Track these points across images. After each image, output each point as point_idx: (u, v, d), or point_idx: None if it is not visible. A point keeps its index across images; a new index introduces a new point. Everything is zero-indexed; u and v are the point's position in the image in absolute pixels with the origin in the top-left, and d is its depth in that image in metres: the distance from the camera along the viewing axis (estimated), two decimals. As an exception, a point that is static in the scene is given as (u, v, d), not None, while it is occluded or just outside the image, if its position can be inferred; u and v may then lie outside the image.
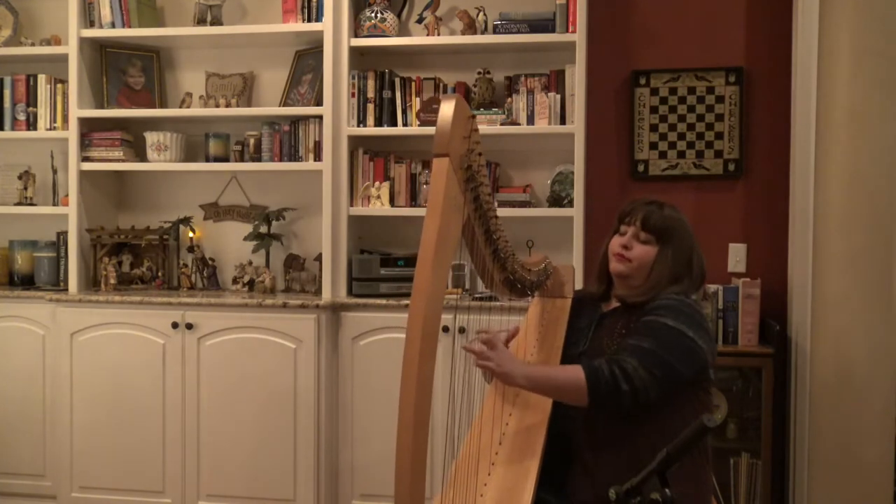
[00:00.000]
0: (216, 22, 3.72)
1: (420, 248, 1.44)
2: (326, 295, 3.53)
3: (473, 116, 1.60)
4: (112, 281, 3.69)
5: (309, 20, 3.60)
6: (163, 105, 3.91)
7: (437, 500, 1.78)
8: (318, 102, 3.60)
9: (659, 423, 1.85)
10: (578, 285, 2.36)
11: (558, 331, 2.17)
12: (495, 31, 3.52)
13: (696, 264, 2.04)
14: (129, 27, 3.71)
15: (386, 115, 3.60)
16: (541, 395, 1.94)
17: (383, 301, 3.42)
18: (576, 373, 1.83)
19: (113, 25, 3.71)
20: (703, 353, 1.90)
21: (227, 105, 3.72)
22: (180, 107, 3.83)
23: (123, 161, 3.77)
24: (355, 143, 3.63)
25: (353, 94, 3.58)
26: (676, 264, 2.00)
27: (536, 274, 2.12)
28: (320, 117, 3.57)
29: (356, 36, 3.59)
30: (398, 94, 3.59)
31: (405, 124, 3.59)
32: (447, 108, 1.50)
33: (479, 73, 3.60)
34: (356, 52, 3.65)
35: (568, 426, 1.97)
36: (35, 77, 3.84)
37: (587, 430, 1.94)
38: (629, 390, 1.80)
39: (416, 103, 3.58)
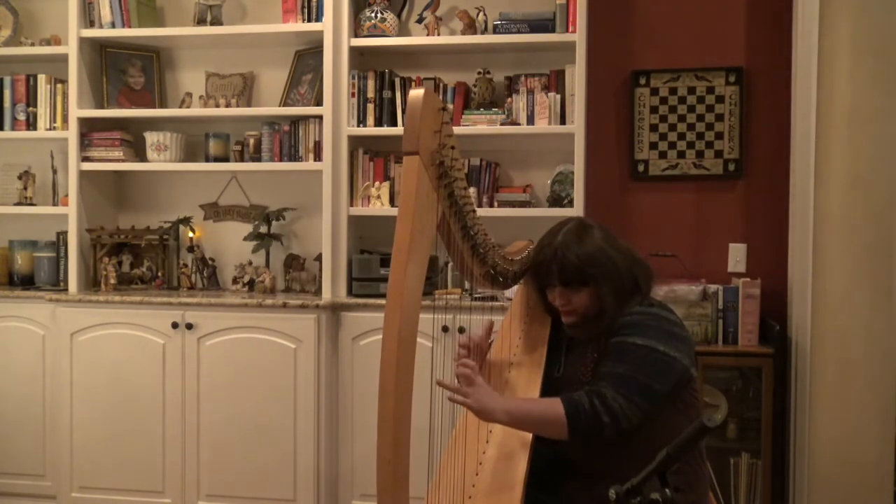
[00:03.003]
0: (216, 22, 3.72)
1: (393, 250, 1.40)
2: (326, 295, 3.53)
3: (445, 108, 1.53)
4: (112, 281, 3.69)
5: (309, 20, 3.60)
6: (163, 105, 3.91)
7: (426, 501, 1.75)
8: (318, 102, 3.59)
9: (651, 436, 1.81)
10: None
11: (544, 324, 2.12)
12: (495, 31, 3.52)
13: (638, 271, 1.95)
14: (129, 27, 3.71)
15: (386, 115, 3.59)
16: (520, 429, 1.85)
17: (383, 301, 3.39)
18: (555, 407, 1.77)
19: (113, 25, 3.71)
20: (678, 362, 1.84)
21: (227, 105, 3.72)
22: (180, 107, 3.83)
23: (123, 161, 3.76)
24: (355, 143, 3.63)
25: (353, 94, 3.58)
26: (617, 289, 1.90)
27: (519, 263, 2.07)
28: (320, 117, 3.57)
29: (356, 36, 3.59)
30: (398, 94, 3.59)
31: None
32: (415, 102, 1.43)
33: (479, 73, 3.60)
34: (356, 52, 3.64)
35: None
36: (35, 77, 3.84)
37: (580, 442, 1.88)
38: (610, 422, 1.75)
39: (416, 103, 3.57)
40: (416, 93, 1.44)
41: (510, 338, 2.15)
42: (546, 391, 1.96)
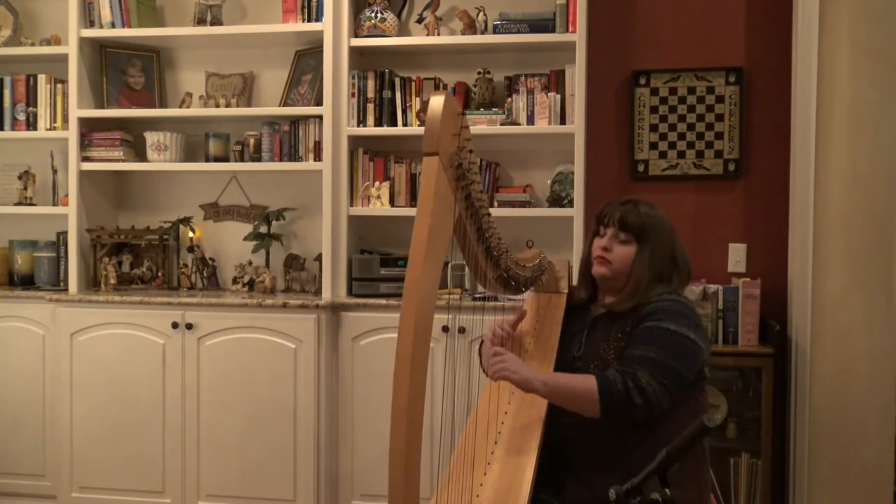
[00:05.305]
0: (216, 22, 3.72)
1: (411, 249, 1.43)
2: (326, 295, 3.53)
3: (463, 113, 1.58)
4: (112, 281, 3.69)
5: (309, 20, 3.60)
6: (163, 105, 3.91)
7: (433, 500, 1.76)
8: (318, 102, 3.59)
9: (656, 429, 1.84)
10: (574, 281, 2.34)
11: (553, 328, 2.16)
12: (495, 31, 3.52)
13: (680, 260, 2.03)
14: (129, 27, 3.71)
15: (386, 115, 3.60)
16: (554, 402, 1.91)
17: (383, 301, 3.42)
18: (589, 383, 1.82)
19: (113, 25, 3.71)
20: (703, 354, 1.91)
21: (227, 105, 3.72)
22: (180, 107, 3.83)
23: (123, 161, 3.77)
24: (355, 143, 3.63)
25: (353, 94, 3.58)
26: (656, 262, 1.99)
27: (531, 270, 2.10)
28: (320, 117, 3.57)
29: (356, 36, 3.59)
30: (398, 94, 3.59)
31: (405, 124, 3.58)
32: (436, 106, 1.49)
33: (479, 73, 3.60)
34: (356, 52, 3.65)
35: (563, 429, 1.96)
36: (35, 77, 3.84)
37: (583, 434, 1.92)
38: (643, 404, 1.79)
39: (416, 103, 3.58)
40: (437, 97, 1.50)
41: (520, 341, 2.17)
42: (563, 371, 1.99)
